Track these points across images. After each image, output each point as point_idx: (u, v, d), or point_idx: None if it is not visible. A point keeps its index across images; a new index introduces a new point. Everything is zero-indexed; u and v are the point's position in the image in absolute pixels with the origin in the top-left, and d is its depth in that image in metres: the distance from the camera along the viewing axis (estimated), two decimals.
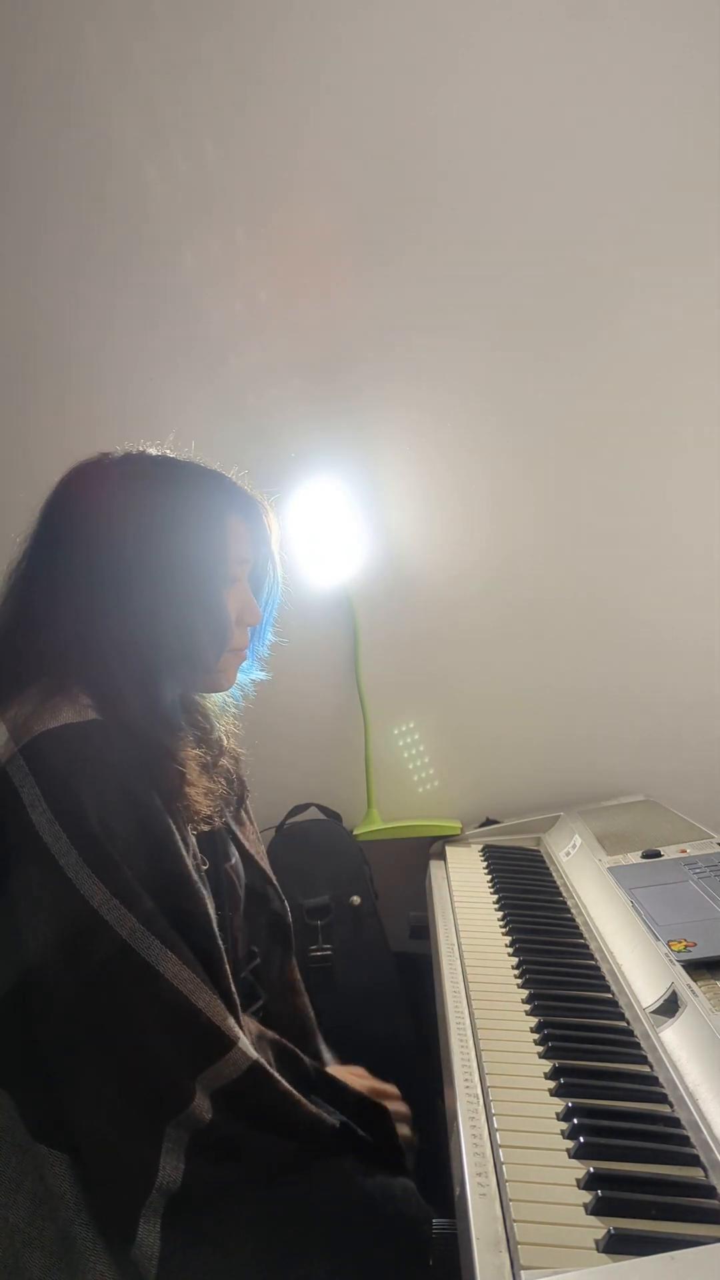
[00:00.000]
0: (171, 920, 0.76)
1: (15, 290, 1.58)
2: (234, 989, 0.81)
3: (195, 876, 0.80)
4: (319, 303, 1.59)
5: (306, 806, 1.70)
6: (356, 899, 1.58)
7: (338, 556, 1.65)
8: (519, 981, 1.06)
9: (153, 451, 0.95)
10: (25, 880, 0.74)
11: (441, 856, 1.56)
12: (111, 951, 0.73)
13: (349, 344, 1.60)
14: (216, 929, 0.81)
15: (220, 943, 0.81)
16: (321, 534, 1.63)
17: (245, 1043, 0.78)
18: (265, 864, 1.08)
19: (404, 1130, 0.98)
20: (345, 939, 1.55)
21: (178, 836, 0.81)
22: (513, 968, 1.10)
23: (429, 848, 1.63)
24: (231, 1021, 0.77)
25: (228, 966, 0.81)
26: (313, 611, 1.68)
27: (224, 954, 0.81)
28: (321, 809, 1.71)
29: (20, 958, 0.73)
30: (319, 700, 1.72)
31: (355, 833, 1.66)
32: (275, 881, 1.08)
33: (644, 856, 1.28)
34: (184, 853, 0.80)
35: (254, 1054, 0.78)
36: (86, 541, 0.88)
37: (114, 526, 0.88)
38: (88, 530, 0.88)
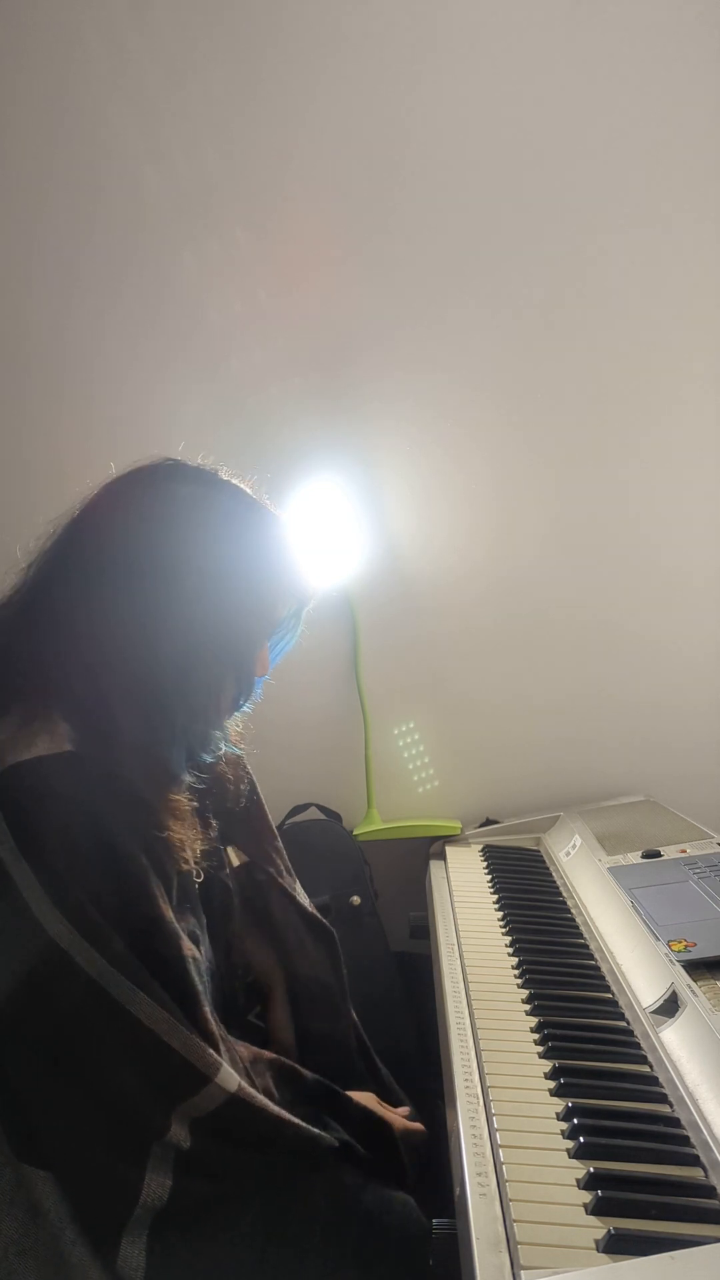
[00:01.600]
0: (143, 960, 0.74)
1: (13, 291, 1.58)
2: (213, 1023, 0.79)
3: (168, 916, 0.77)
4: (319, 302, 1.59)
5: (306, 806, 1.70)
6: (356, 899, 1.58)
7: (338, 557, 1.65)
8: (519, 981, 1.06)
9: (224, 474, 0.89)
10: None
11: (441, 856, 1.56)
12: (80, 991, 0.71)
13: (349, 343, 1.60)
14: (193, 968, 0.78)
15: (197, 981, 0.78)
16: (321, 534, 1.63)
17: (225, 1073, 0.75)
18: (308, 904, 1.06)
19: (412, 1145, 0.96)
20: (345, 939, 1.54)
21: (151, 875, 0.78)
22: (513, 968, 1.10)
23: (429, 848, 1.63)
24: (211, 1056, 0.75)
25: (206, 1006, 0.78)
26: (313, 612, 1.67)
27: (200, 992, 0.78)
28: (321, 809, 1.71)
29: None
30: (319, 700, 1.72)
31: (355, 833, 1.66)
32: (290, 886, 1.06)
33: (644, 856, 1.28)
34: (155, 892, 0.77)
35: (234, 1085, 0.76)
36: (129, 566, 0.82)
37: (163, 559, 0.82)
38: (127, 555, 0.83)
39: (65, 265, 1.57)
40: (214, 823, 1.00)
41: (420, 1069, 1.30)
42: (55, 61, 1.49)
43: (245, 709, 0.96)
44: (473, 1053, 0.91)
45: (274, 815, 1.65)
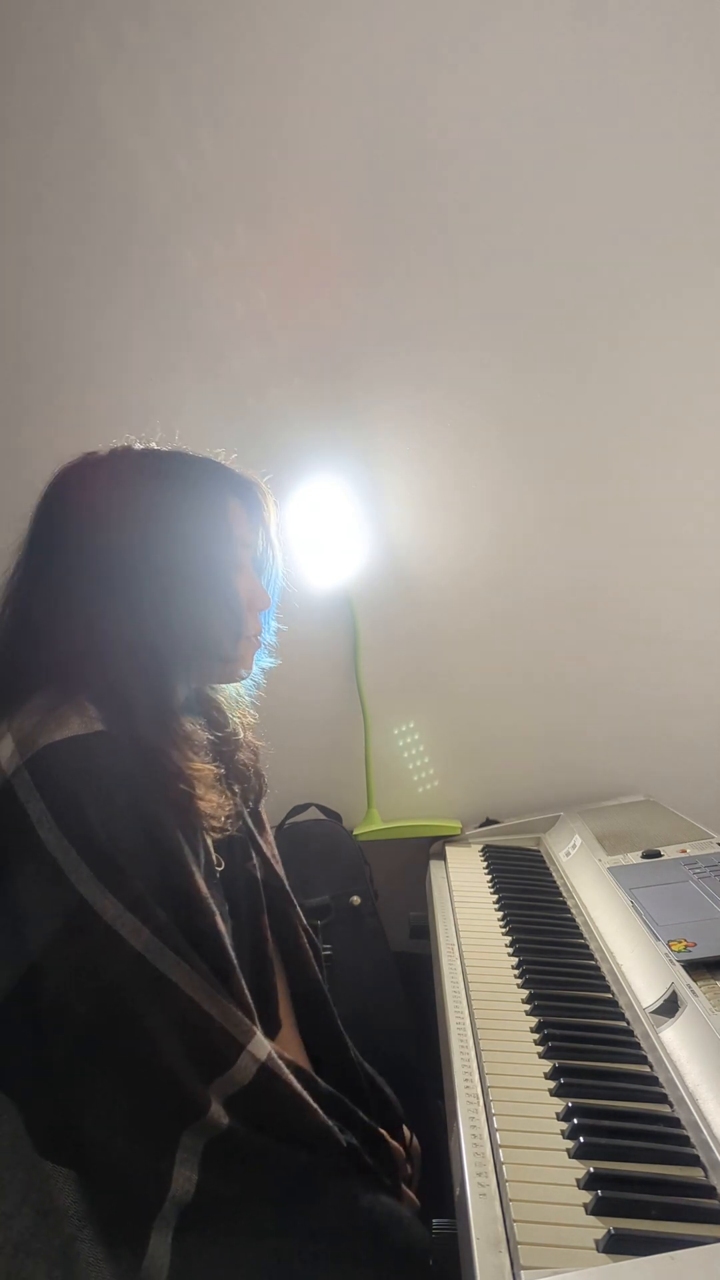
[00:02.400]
0: (184, 933, 0.76)
1: (12, 290, 1.58)
2: (248, 995, 0.81)
3: (204, 891, 0.79)
4: (320, 302, 1.59)
5: (306, 806, 1.70)
6: (356, 899, 1.58)
7: (338, 556, 1.65)
8: (519, 981, 1.06)
9: (138, 446, 0.93)
10: (35, 898, 0.73)
11: (441, 856, 1.56)
12: (125, 965, 0.72)
13: (350, 343, 1.60)
14: (227, 940, 0.80)
15: (231, 952, 0.80)
16: (321, 534, 1.63)
17: (258, 1040, 0.77)
18: (284, 878, 1.06)
19: (405, 1168, 0.96)
20: (345, 939, 1.55)
21: (186, 850, 0.80)
22: (513, 968, 1.10)
23: (429, 848, 1.63)
24: (246, 1023, 0.77)
25: (240, 975, 0.80)
26: (313, 611, 1.68)
27: (235, 963, 0.80)
28: (321, 809, 1.71)
29: (31, 974, 0.73)
30: (319, 700, 1.72)
31: (355, 833, 1.66)
32: (295, 901, 1.07)
33: (644, 856, 1.28)
34: (193, 867, 0.80)
35: (264, 1053, 0.78)
36: (84, 545, 0.86)
37: (111, 526, 0.86)
38: (84, 533, 0.86)
39: (66, 264, 1.57)
40: (238, 793, 1.00)
41: (420, 1069, 1.30)
42: (55, 60, 1.49)
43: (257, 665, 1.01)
44: (473, 1053, 0.91)
45: (274, 815, 1.67)
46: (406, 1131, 1.02)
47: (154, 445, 0.94)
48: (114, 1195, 0.72)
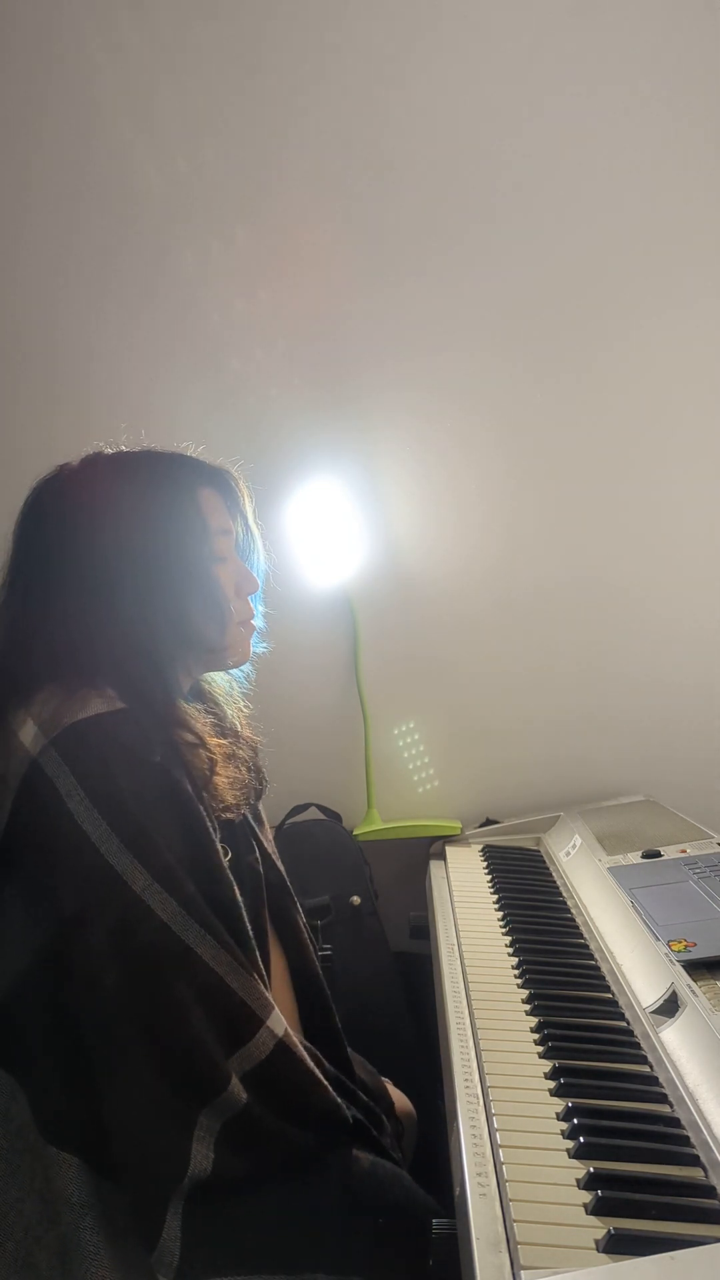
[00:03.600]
0: (207, 903, 0.77)
1: (10, 291, 1.58)
2: (264, 969, 0.83)
3: (224, 864, 0.81)
4: (319, 302, 1.59)
5: (306, 806, 1.70)
6: (356, 899, 1.58)
7: (338, 556, 1.65)
8: (519, 981, 1.06)
9: (108, 451, 0.95)
10: (67, 872, 0.74)
11: (441, 856, 1.56)
12: (152, 936, 0.73)
13: (349, 344, 1.60)
14: (245, 914, 0.81)
15: (248, 926, 0.81)
16: (321, 534, 1.63)
17: (276, 1016, 0.79)
18: (284, 873, 1.07)
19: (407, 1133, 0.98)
20: (345, 939, 1.55)
21: (209, 822, 0.82)
22: (513, 968, 1.10)
23: (429, 848, 1.63)
24: (265, 996, 0.78)
25: (257, 950, 0.82)
26: (313, 611, 1.68)
27: (252, 937, 0.81)
28: (321, 809, 1.71)
29: (61, 946, 0.73)
30: (319, 700, 1.72)
31: (355, 833, 1.66)
32: (294, 896, 1.07)
33: (644, 856, 1.28)
34: (214, 839, 0.81)
35: (281, 1029, 0.79)
36: (65, 549, 0.88)
37: (87, 528, 0.87)
38: (64, 538, 0.88)
39: (65, 264, 1.57)
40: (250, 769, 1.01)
41: (420, 1069, 1.30)
42: (54, 61, 1.49)
43: (255, 648, 1.02)
44: (473, 1053, 0.91)
45: (274, 815, 1.67)
46: (394, 1090, 1.04)
47: (123, 448, 0.96)
48: (136, 1168, 0.72)
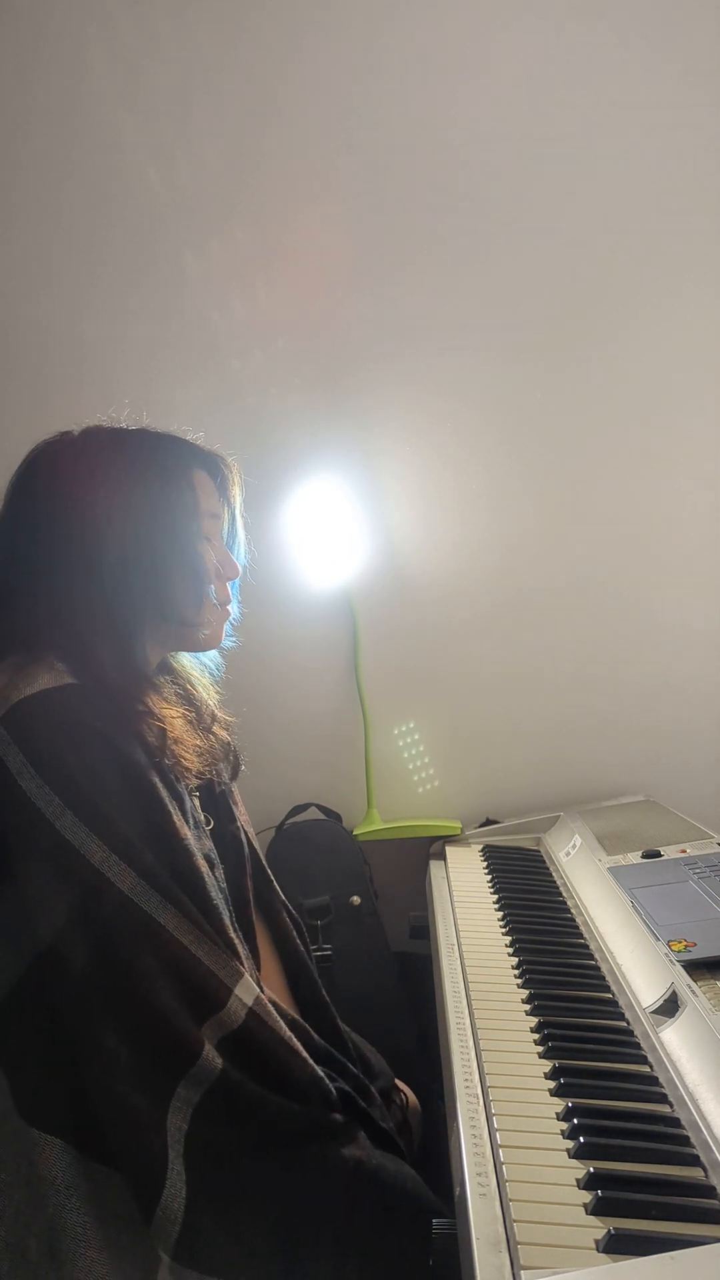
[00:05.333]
0: (168, 874, 0.77)
1: (9, 291, 1.58)
2: (233, 933, 0.82)
3: (184, 833, 0.81)
4: (320, 303, 1.59)
5: (306, 806, 1.70)
6: (356, 899, 1.58)
7: (338, 556, 1.65)
8: (519, 981, 1.06)
9: (107, 425, 0.96)
10: (23, 849, 0.74)
11: (441, 856, 1.56)
12: (114, 908, 0.73)
13: (349, 343, 1.61)
14: (207, 882, 0.81)
15: (211, 894, 0.81)
16: (321, 534, 1.63)
17: (245, 983, 0.78)
18: (260, 852, 1.07)
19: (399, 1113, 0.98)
20: (345, 939, 1.55)
21: (164, 791, 0.81)
22: (513, 968, 1.10)
23: (429, 848, 1.63)
24: (234, 964, 0.78)
25: (224, 917, 0.81)
26: (313, 611, 1.68)
27: (217, 904, 0.81)
28: (321, 809, 1.71)
29: (25, 929, 0.73)
30: (319, 700, 1.72)
31: (355, 833, 1.66)
32: (270, 873, 1.08)
33: (644, 856, 1.28)
34: (171, 808, 0.81)
35: (251, 997, 0.78)
36: (52, 516, 0.88)
37: (76, 497, 0.88)
38: (52, 505, 0.89)
39: (68, 268, 1.57)
40: (223, 743, 1.01)
41: (420, 1069, 1.30)
42: (54, 61, 1.50)
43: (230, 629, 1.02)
44: (473, 1053, 0.91)
45: (274, 815, 1.67)
46: (403, 1085, 1.04)
47: (124, 424, 0.97)
48: (118, 1149, 0.71)
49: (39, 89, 1.51)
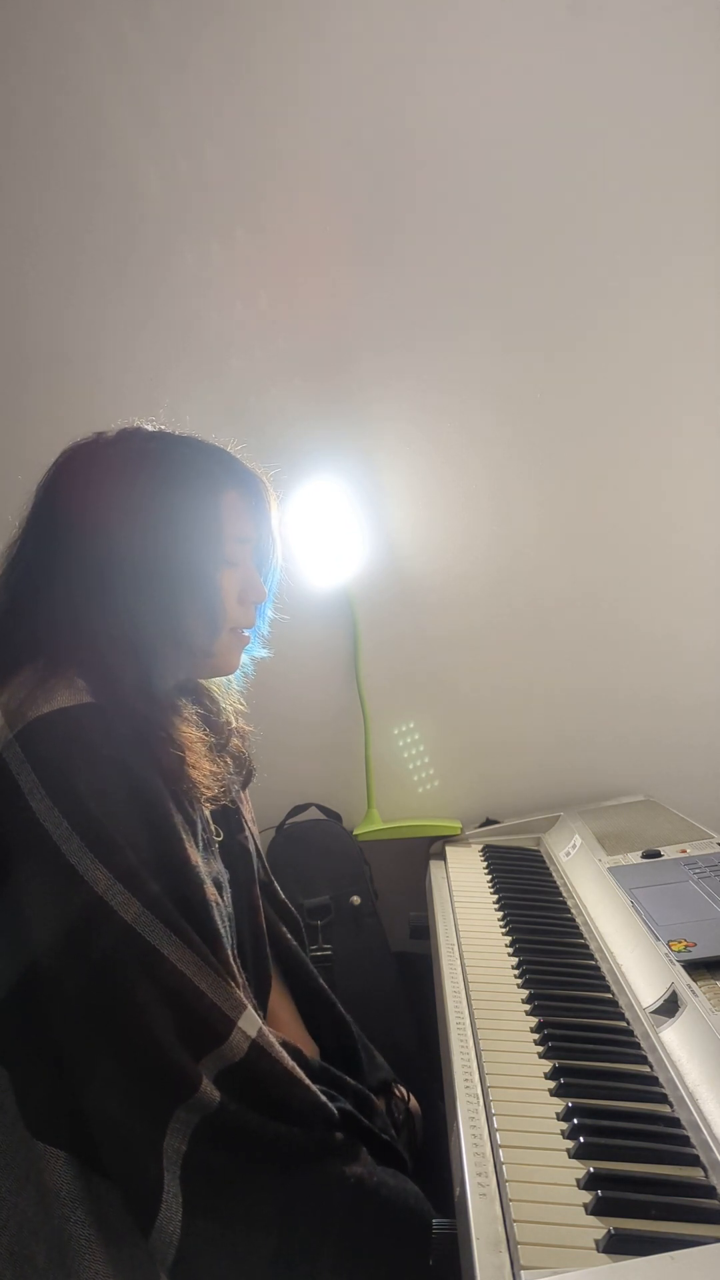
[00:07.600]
0: (174, 904, 0.76)
1: (12, 291, 1.58)
2: (237, 969, 0.81)
3: (194, 861, 0.79)
4: (320, 303, 1.59)
5: (306, 806, 1.70)
6: (356, 899, 1.58)
7: (338, 556, 1.65)
8: (519, 981, 1.06)
9: (148, 428, 0.93)
10: (28, 869, 0.73)
11: (441, 856, 1.56)
12: (115, 937, 0.72)
13: (350, 344, 1.60)
14: (216, 912, 0.80)
15: (219, 924, 0.80)
16: (321, 534, 1.63)
17: (248, 1016, 0.77)
18: (263, 858, 1.07)
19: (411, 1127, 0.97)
20: (345, 939, 1.55)
21: (178, 818, 0.80)
22: (513, 968, 1.10)
23: (429, 848, 1.63)
24: (237, 996, 0.76)
25: (229, 948, 0.80)
26: (313, 611, 1.68)
27: (223, 935, 0.80)
28: (321, 809, 1.71)
29: (27, 947, 0.73)
30: (319, 700, 1.72)
31: (355, 833, 1.66)
32: (273, 878, 1.08)
33: (644, 856, 1.28)
34: (183, 835, 0.79)
35: (254, 1029, 0.77)
36: (77, 523, 0.87)
37: (104, 507, 0.86)
38: (79, 511, 0.87)
39: (64, 266, 1.57)
40: (230, 766, 1.00)
41: (420, 1069, 1.30)
42: (55, 62, 1.50)
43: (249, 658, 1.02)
44: (473, 1053, 0.91)
45: (274, 815, 1.67)
46: (403, 1091, 1.03)
47: (164, 428, 0.94)
48: (115, 1170, 0.71)
49: (45, 96, 1.51)
